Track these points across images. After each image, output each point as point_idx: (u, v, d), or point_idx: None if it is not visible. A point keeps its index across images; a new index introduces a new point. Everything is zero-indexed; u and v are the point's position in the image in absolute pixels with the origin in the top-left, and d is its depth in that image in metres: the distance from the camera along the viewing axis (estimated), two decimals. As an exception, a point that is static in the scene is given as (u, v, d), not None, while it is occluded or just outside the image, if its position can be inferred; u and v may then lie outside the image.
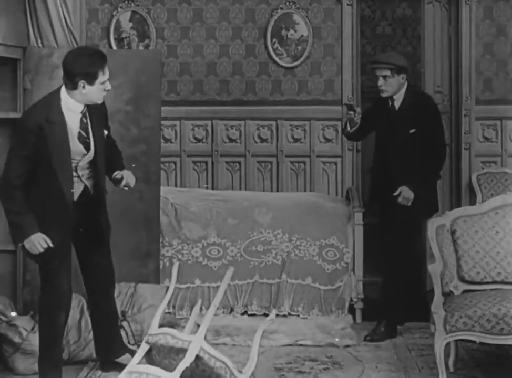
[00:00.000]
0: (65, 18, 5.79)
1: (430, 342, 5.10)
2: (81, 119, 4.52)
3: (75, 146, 4.51)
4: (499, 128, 7.54)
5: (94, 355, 5.07)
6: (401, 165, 5.60)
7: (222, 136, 7.67)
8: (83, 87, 4.41)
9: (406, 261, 5.68)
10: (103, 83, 4.45)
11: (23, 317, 5.07)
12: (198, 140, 7.68)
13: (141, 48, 7.58)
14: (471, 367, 5.03)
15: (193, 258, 6.05)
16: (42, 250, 4.47)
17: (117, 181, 4.70)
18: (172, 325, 5.26)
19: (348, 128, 5.76)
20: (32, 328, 4.96)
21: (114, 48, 7.61)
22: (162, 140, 6.96)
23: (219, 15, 7.67)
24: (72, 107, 4.48)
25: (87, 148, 4.56)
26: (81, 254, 4.79)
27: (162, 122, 6.22)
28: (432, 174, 5.70)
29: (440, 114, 5.80)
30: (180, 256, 6.04)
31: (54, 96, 4.50)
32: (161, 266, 5.93)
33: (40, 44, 5.75)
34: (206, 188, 7.58)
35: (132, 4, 7.67)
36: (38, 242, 4.45)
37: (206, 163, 7.68)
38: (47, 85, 5.55)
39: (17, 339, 4.94)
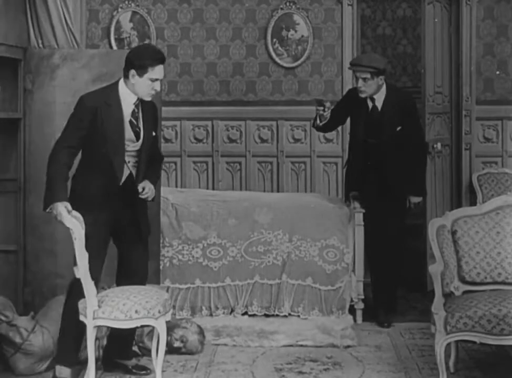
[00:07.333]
0: (65, 19, 5.79)
1: (430, 342, 5.11)
2: (134, 110, 4.73)
3: (127, 131, 4.70)
4: (499, 129, 7.55)
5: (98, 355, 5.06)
6: (391, 163, 5.83)
7: (222, 136, 7.66)
8: (133, 76, 4.65)
9: (394, 247, 5.94)
10: (152, 80, 4.67)
11: (23, 317, 5.06)
12: (199, 140, 7.68)
13: (141, 48, 7.57)
14: (471, 367, 5.03)
15: (194, 259, 6.05)
16: (63, 217, 4.49)
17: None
18: (173, 325, 5.27)
19: (318, 122, 5.96)
20: (33, 329, 4.95)
21: (115, 48, 7.61)
22: (163, 141, 6.97)
23: (220, 15, 7.67)
24: (126, 96, 4.71)
25: (137, 136, 4.75)
26: (120, 252, 4.86)
27: (163, 122, 6.22)
28: (423, 172, 6.03)
29: (417, 112, 6.00)
30: (180, 256, 6.04)
31: (114, 85, 4.75)
32: (161, 266, 5.93)
33: (40, 45, 5.76)
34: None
35: (132, 4, 7.67)
36: (60, 208, 4.49)
37: (206, 163, 7.68)
38: (48, 86, 5.57)
39: (17, 339, 4.93)
